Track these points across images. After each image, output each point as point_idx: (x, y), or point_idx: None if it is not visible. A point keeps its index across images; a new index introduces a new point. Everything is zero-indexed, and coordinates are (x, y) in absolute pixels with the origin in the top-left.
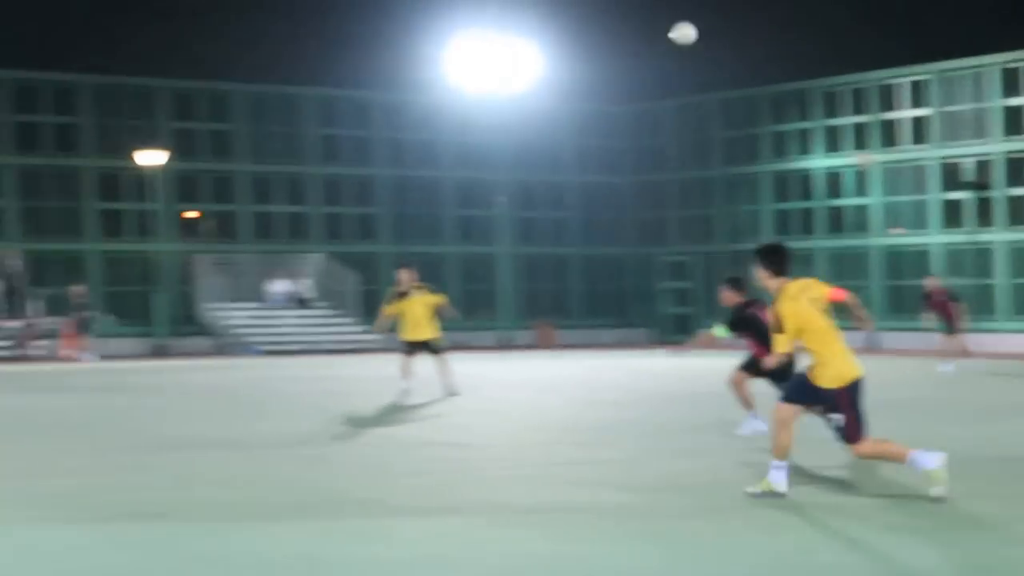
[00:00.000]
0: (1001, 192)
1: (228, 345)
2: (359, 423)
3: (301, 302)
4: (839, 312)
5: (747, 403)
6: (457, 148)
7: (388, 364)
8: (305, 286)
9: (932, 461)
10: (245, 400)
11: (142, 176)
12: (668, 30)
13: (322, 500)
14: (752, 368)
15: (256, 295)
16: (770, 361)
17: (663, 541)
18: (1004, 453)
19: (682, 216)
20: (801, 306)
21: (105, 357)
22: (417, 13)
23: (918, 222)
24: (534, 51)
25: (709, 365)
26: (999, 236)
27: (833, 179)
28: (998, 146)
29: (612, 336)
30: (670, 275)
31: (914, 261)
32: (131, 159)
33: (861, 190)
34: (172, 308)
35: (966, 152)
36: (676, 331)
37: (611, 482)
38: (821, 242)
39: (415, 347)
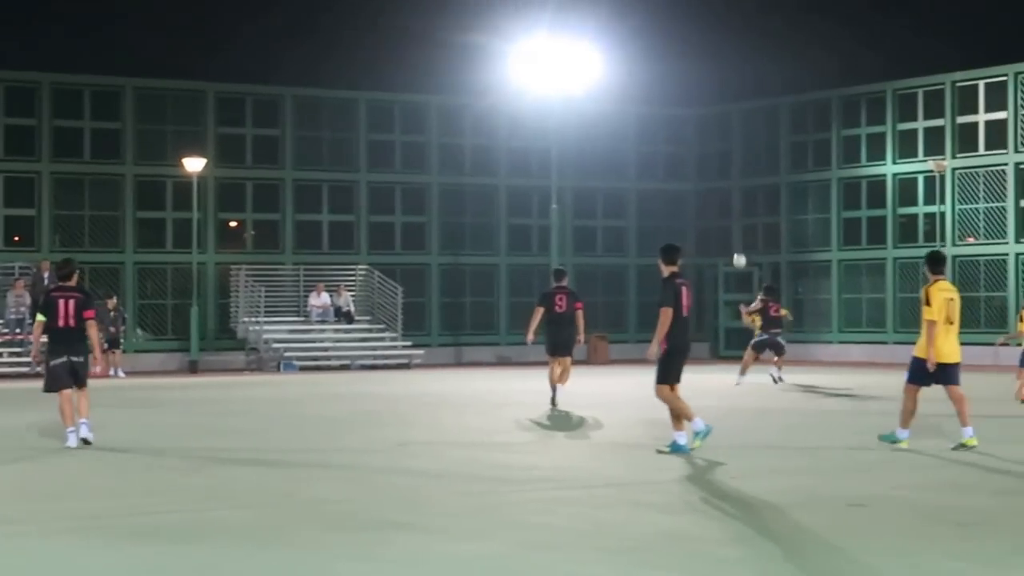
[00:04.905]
0: None
1: (265, 360)
2: (397, 442)
3: (342, 315)
4: None
5: None
6: (513, 154)
7: (431, 381)
8: (346, 299)
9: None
10: (278, 417)
11: (184, 183)
12: (736, 31)
13: (353, 522)
14: None
15: (296, 308)
16: None
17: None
18: None
19: (746, 225)
20: None
21: (136, 373)
22: (474, 14)
23: (994, 230)
24: (594, 53)
25: (768, 381)
26: None
27: (905, 186)
28: None
29: None
30: (731, 287)
31: (988, 271)
32: (173, 165)
33: (934, 197)
34: (208, 321)
35: None
36: (736, 345)
37: (654, 503)
38: (892, 251)
39: None
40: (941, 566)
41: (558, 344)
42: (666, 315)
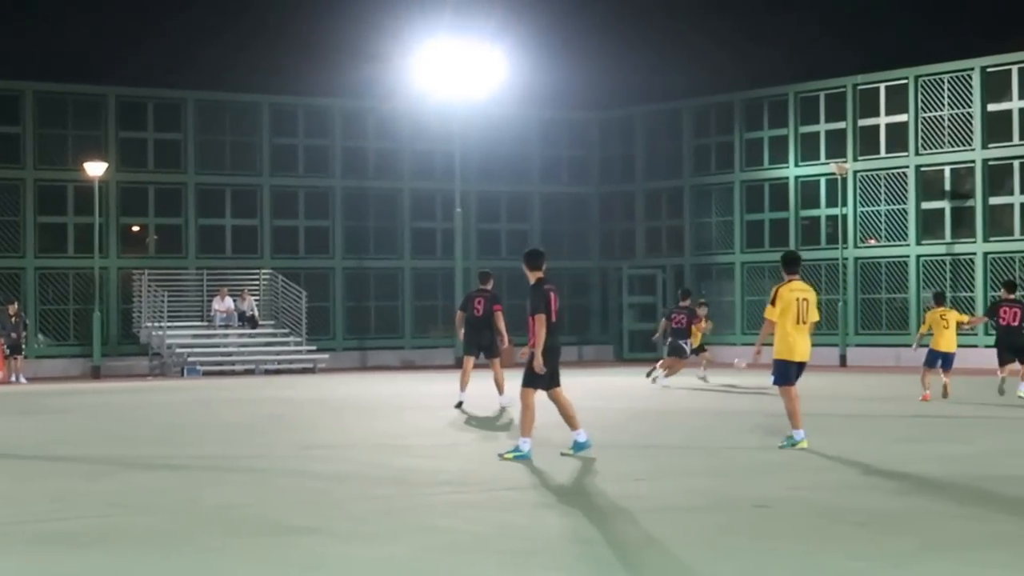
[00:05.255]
0: (981, 201)
1: (168, 366)
2: (302, 446)
3: (246, 320)
4: None
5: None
6: (417, 157)
7: (335, 385)
8: (250, 303)
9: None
10: (182, 423)
11: (85, 188)
12: (639, 35)
13: (257, 527)
14: None
15: (200, 313)
16: None
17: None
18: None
19: (650, 227)
20: None
21: (38, 379)
22: (378, 18)
23: (895, 232)
24: (498, 57)
25: (674, 383)
26: (979, 247)
27: (807, 188)
28: (978, 153)
29: (572, 353)
30: (636, 289)
31: (890, 273)
32: (74, 170)
33: (836, 200)
34: (111, 327)
35: (945, 160)
36: (640, 348)
37: (558, 506)
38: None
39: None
40: (844, 566)
41: (480, 346)
42: (541, 322)
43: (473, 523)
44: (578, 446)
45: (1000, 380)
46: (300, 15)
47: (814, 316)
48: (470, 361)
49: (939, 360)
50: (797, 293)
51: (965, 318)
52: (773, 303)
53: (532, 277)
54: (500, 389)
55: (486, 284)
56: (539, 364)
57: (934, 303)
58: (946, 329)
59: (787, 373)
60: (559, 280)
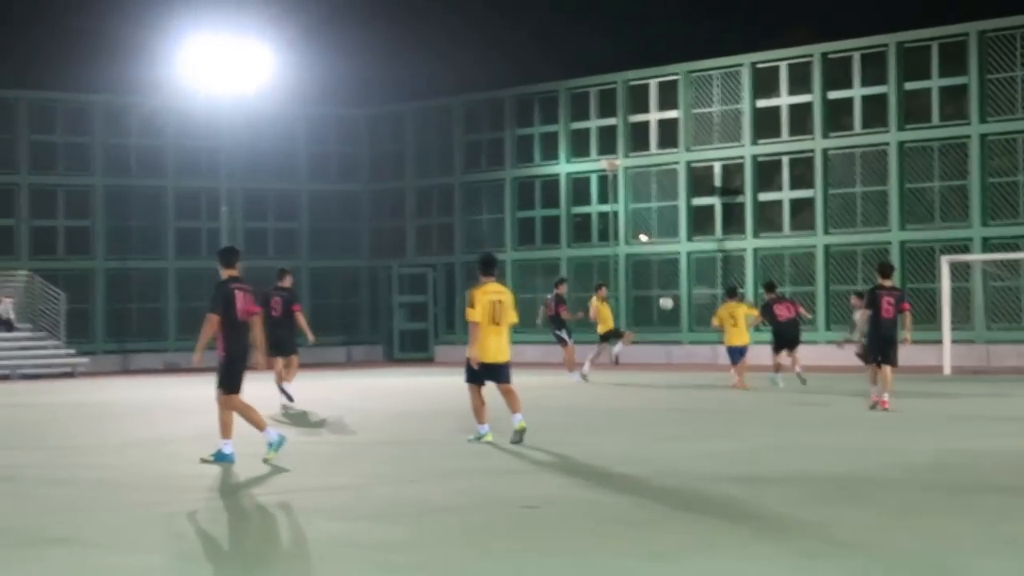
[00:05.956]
0: (751, 197)
1: None
2: (59, 453)
3: (2, 323)
4: None
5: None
6: (181, 154)
7: (95, 390)
8: (6, 306)
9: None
10: None
11: None
12: (409, 30)
13: (7, 538)
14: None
15: None
16: None
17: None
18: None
19: (420, 225)
20: None
21: None
22: (142, 11)
23: (666, 229)
24: (265, 52)
25: (445, 383)
26: (748, 243)
27: (578, 185)
28: (748, 149)
29: (341, 354)
30: (406, 288)
31: (662, 270)
32: None
33: (607, 196)
34: None
35: (715, 156)
36: (411, 348)
37: (325, 510)
38: (566, 251)
39: None
40: (613, 564)
41: (277, 345)
42: (210, 323)
43: (234, 530)
44: (221, 456)
45: (775, 375)
46: (58, 7)
47: (511, 318)
48: (278, 362)
49: (738, 354)
50: (491, 295)
51: (754, 311)
52: (472, 306)
53: (224, 274)
54: (289, 378)
55: (283, 282)
56: (197, 359)
57: (727, 297)
58: (734, 327)
59: (476, 372)
60: (328, 278)
